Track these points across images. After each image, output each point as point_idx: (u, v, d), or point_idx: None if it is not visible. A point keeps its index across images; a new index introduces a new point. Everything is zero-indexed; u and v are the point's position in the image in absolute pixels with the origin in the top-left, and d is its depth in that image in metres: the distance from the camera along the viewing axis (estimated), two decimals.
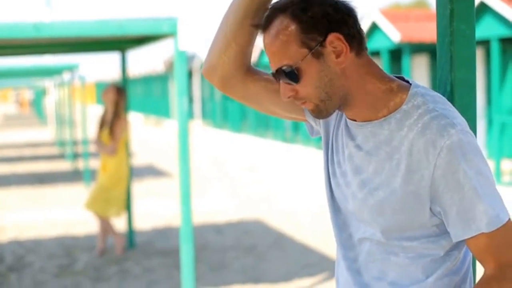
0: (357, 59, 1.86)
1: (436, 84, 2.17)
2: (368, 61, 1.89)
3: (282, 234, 9.37)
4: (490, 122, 15.30)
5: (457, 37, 2.04)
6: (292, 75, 1.83)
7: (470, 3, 2.04)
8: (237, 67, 2.05)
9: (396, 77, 1.95)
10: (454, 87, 2.06)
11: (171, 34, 5.58)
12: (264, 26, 1.87)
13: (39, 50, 8.72)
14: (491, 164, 13.49)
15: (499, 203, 1.80)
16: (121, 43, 8.16)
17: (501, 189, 11.63)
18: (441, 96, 1.91)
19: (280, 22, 1.83)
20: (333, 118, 2.06)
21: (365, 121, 1.92)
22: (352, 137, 1.96)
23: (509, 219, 1.81)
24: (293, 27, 1.81)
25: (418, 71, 17.66)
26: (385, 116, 1.89)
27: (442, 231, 1.88)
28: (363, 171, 1.92)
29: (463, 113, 1.93)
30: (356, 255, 1.99)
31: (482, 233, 1.79)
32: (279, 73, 1.85)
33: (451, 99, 2.06)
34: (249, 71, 2.08)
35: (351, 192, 1.96)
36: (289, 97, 1.88)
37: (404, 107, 1.87)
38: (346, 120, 1.99)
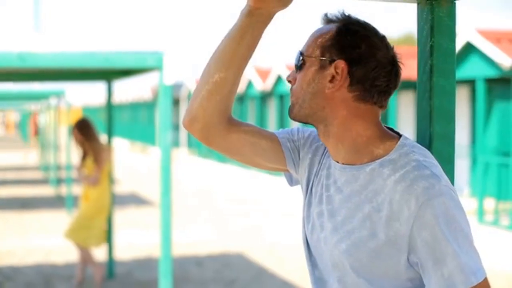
0: (353, 101, 1.90)
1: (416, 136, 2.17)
2: (368, 111, 1.92)
3: (263, 268, 9.33)
4: (474, 161, 15.36)
5: (437, 92, 2.05)
6: (298, 61, 1.96)
7: (451, 60, 2.05)
8: (219, 118, 2.03)
9: (388, 128, 1.98)
10: (433, 142, 2.06)
11: (157, 68, 5.59)
12: (327, 21, 1.99)
13: (24, 78, 8.71)
14: (474, 203, 13.52)
15: (477, 261, 1.80)
16: (106, 74, 8.16)
17: (484, 229, 11.65)
18: (428, 151, 1.93)
19: (330, 26, 1.95)
20: (317, 160, 2.07)
21: (348, 164, 1.94)
22: (334, 179, 1.97)
23: (485, 278, 1.80)
24: (330, 33, 1.93)
25: (405, 107, 17.75)
26: (369, 161, 1.91)
27: (416, 286, 1.88)
28: (340, 214, 1.93)
29: (442, 167, 1.94)
30: None
31: None
32: (296, 56, 2.00)
33: (430, 153, 2.06)
34: (231, 122, 2.07)
35: (324, 235, 1.97)
36: (288, 81, 1.99)
37: (390, 155, 1.89)
38: (330, 163, 2.00)
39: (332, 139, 1.94)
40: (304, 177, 2.10)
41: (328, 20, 1.97)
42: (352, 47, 1.89)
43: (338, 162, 1.97)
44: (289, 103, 2.00)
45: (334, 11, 1.99)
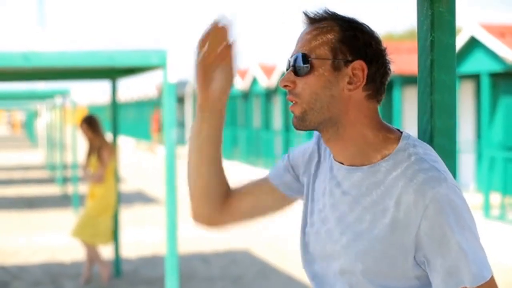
0: (365, 100, 1.87)
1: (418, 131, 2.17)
2: (375, 109, 1.90)
3: (268, 264, 9.35)
4: (479, 156, 15.35)
5: (438, 87, 2.05)
6: (303, 64, 1.85)
7: (451, 55, 2.05)
8: (217, 206, 2.10)
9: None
10: (434, 137, 2.06)
11: (161, 66, 5.60)
12: (312, 19, 1.89)
13: (29, 77, 8.73)
14: (480, 198, 13.51)
15: (484, 259, 1.79)
16: (111, 73, 8.18)
17: (490, 223, 11.64)
18: (431, 148, 1.90)
19: (328, 23, 1.86)
20: (313, 163, 2.05)
21: (353, 166, 1.90)
22: (338, 182, 1.93)
23: (492, 276, 1.80)
24: (336, 32, 1.84)
25: (409, 102, 17.73)
26: (375, 162, 1.88)
27: (424, 284, 1.86)
28: (348, 217, 1.89)
29: (443, 162, 1.93)
30: None
31: None
32: (294, 59, 1.87)
33: (432, 148, 2.06)
34: (231, 198, 2.13)
35: (332, 239, 1.93)
36: (285, 86, 1.87)
37: (394, 155, 1.86)
38: (331, 167, 1.97)
39: (341, 141, 1.89)
40: (305, 182, 2.10)
41: (312, 19, 1.89)
42: (365, 45, 1.85)
43: (342, 163, 1.93)
44: (297, 112, 1.87)
45: (313, 9, 1.90)
